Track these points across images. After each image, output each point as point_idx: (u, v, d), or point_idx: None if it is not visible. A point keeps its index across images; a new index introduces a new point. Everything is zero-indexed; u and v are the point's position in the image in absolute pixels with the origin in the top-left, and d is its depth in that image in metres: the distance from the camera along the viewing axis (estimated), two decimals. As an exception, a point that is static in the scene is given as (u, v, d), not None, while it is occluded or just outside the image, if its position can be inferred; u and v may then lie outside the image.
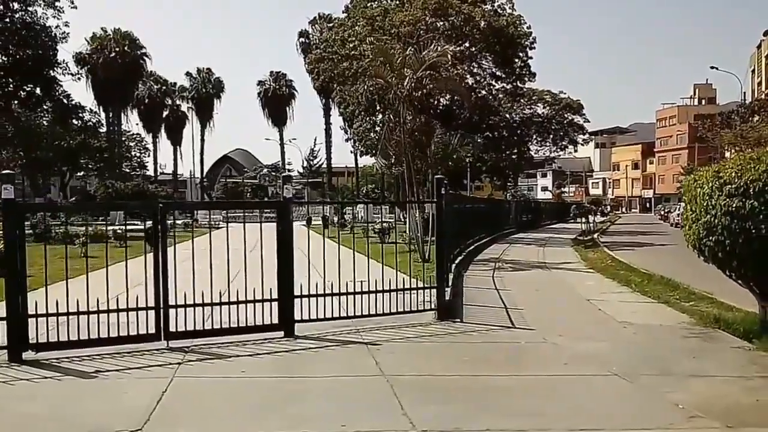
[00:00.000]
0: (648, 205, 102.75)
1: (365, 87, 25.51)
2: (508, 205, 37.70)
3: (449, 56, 18.00)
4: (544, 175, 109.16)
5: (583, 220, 36.47)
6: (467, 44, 30.54)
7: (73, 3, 44.38)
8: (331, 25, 42.13)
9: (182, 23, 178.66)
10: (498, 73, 34.15)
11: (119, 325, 7.10)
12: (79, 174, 64.12)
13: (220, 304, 7.62)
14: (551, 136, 52.51)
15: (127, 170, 75.05)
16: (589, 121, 54.99)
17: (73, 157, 52.90)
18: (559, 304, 10.80)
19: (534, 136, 51.63)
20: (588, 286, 12.64)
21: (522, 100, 44.87)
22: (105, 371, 6.32)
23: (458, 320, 8.71)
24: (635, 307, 10.12)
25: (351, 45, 28.33)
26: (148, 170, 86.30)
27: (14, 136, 46.94)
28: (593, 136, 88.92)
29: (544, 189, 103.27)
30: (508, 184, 56.07)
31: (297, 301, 7.92)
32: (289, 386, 5.98)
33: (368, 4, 31.81)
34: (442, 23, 29.10)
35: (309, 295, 8.02)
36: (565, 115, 52.05)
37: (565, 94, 52.21)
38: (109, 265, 7.00)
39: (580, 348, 7.33)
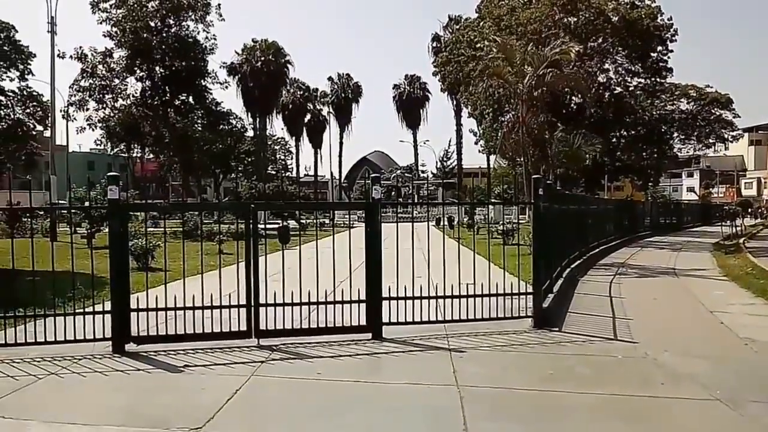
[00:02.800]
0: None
1: (483, 86, 25.00)
2: (643, 205, 35.49)
3: (572, 54, 17.16)
4: (690, 175, 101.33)
5: (729, 222, 33.25)
6: (599, 40, 29.01)
7: (221, 17, 47.75)
8: (458, 27, 41.76)
9: (321, 31, 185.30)
10: (633, 69, 32.09)
11: (219, 321, 7.45)
12: (231, 176, 68.57)
13: (309, 303, 7.75)
14: (696, 133, 48.68)
15: (273, 172, 79.39)
16: (739, 117, 50.43)
17: (222, 160, 56.59)
18: (675, 314, 9.83)
19: (676, 134, 48.14)
20: (715, 295, 11.41)
21: (663, 96, 41.88)
22: (192, 366, 6.60)
23: (556, 329, 8.21)
24: (765, 322, 9.03)
25: (477, 45, 27.89)
26: (291, 172, 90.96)
27: (171, 141, 51.30)
28: (747, 133, 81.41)
29: (690, 189, 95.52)
30: (650, 184, 52.66)
31: (386, 303, 7.88)
32: (356, 392, 5.88)
33: (498, 3, 31.15)
34: (573, 19, 27.82)
35: (397, 298, 7.96)
36: (712, 111, 48.01)
37: (711, 87, 48.35)
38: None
39: (683, 366, 6.61)
